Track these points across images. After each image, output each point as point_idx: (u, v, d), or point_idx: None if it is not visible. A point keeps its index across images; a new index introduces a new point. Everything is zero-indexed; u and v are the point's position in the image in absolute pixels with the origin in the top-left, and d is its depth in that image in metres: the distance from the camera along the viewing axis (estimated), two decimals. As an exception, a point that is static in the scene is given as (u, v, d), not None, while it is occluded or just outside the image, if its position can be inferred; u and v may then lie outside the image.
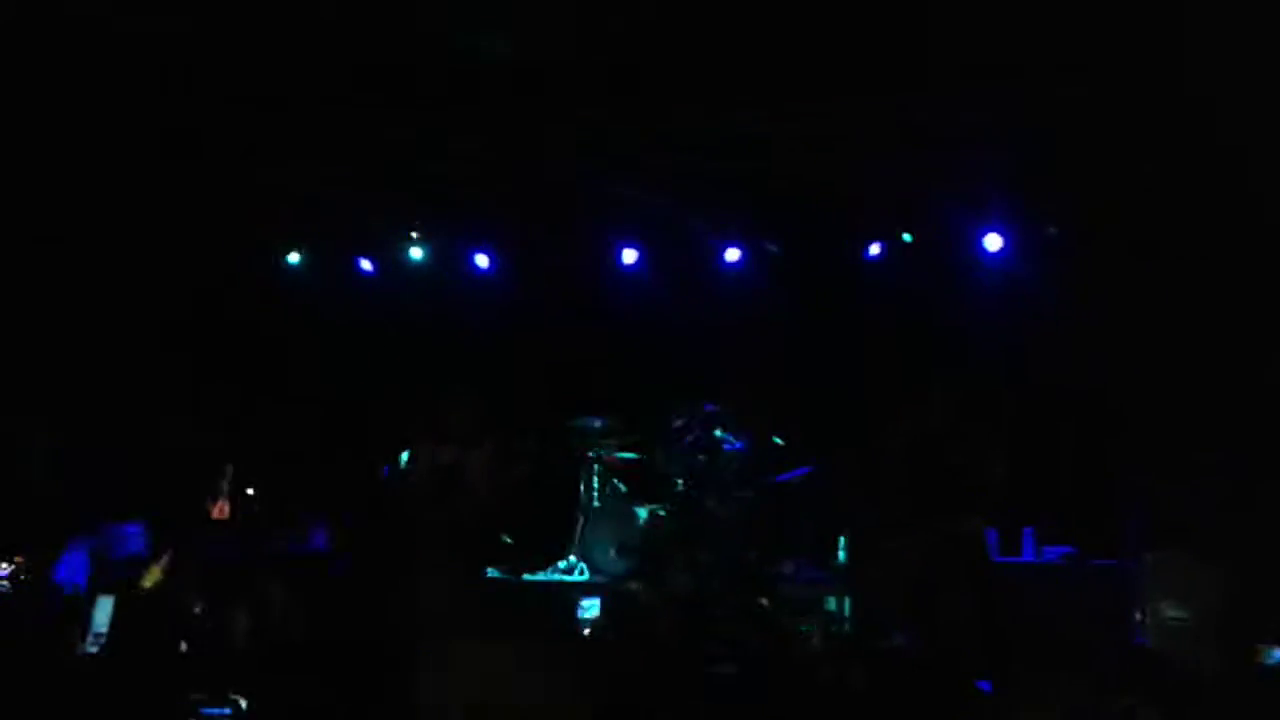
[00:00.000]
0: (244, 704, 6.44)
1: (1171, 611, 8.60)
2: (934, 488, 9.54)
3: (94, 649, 7.17)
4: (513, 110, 9.95)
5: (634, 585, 9.76)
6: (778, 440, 10.77)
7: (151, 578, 8.81)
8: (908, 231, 11.38)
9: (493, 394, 10.77)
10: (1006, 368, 10.54)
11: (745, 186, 11.14)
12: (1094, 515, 9.85)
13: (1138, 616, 8.79)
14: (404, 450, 10.78)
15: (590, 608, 9.19)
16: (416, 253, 11.95)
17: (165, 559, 8.96)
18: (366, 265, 12.22)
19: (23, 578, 9.48)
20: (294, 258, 12.19)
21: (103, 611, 7.23)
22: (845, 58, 9.02)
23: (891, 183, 10.86)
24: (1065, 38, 8.69)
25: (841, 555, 10.31)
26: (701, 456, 10.54)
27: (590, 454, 11.31)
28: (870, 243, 11.55)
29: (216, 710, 6.33)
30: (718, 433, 10.68)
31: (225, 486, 10.71)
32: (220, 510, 10.64)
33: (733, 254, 11.93)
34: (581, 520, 11.17)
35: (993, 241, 11.07)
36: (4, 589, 8.53)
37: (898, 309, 11.37)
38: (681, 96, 9.75)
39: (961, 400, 9.59)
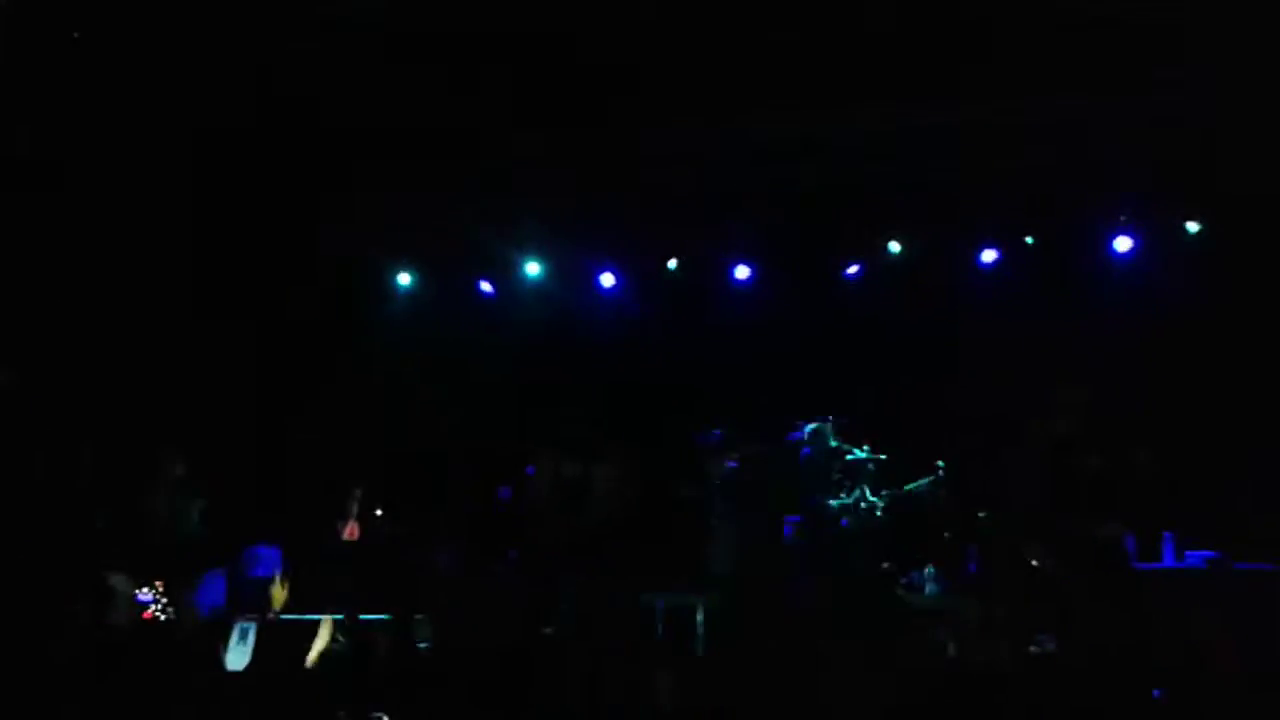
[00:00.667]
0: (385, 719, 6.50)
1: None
2: (1070, 493, 9.39)
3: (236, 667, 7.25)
4: (636, 125, 9.96)
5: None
6: (900, 450, 10.65)
7: (279, 599, 8.91)
8: (1030, 235, 11.21)
9: (614, 409, 10.81)
10: (1144, 368, 10.31)
11: (862, 195, 11.05)
12: (1239, 518, 9.54)
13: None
14: (527, 466, 10.87)
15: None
16: (534, 269, 12.03)
17: (286, 578, 9.07)
18: (486, 286, 12.32)
19: (163, 603, 9.67)
20: (404, 279, 12.34)
21: (240, 633, 7.31)
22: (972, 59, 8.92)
23: (1014, 185, 10.72)
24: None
25: (972, 565, 10.17)
26: (825, 468, 10.43)
27: (711, 467, 11.23)
28: (985, 248, 11.42)
29: (358, 726, 6.40)
30: (835, 443, 10.60)
31: (354, 508, 10.81)
32: (350, 531, 10.74)
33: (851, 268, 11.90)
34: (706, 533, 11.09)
35: (1122, 243, 10.95)
36: (156, 612, 8.66)
37: (1021, 311, 11.18)
38: (817, 102, 9.69)
39: (1094, 403, 9.43)
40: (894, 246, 11.65)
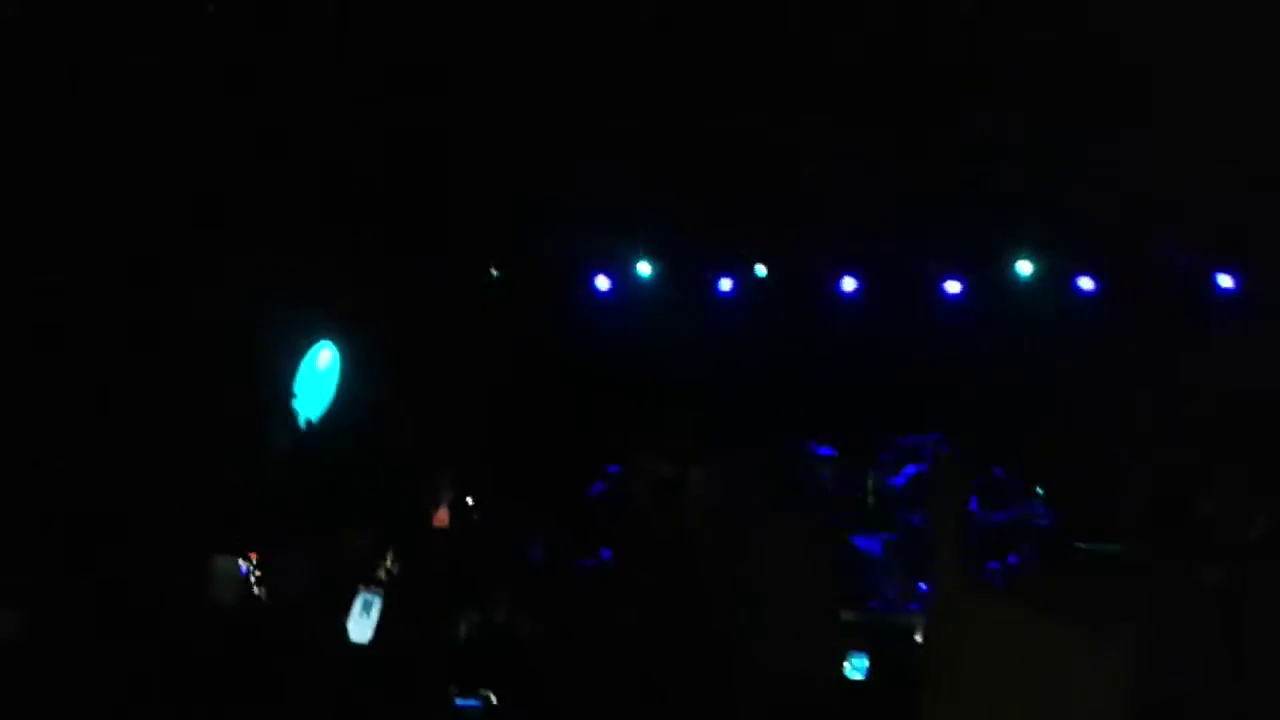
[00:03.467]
0: (493, 698, 6.51)
1: None
2: (1177, 536, 9.23)
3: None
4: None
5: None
6: (1001, 474, 10.53)
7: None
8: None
9: (716, 413, 10.75)
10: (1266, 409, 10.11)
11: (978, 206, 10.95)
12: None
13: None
14: (616, 464, 10.85)
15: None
16: (645, 268, 12.04)
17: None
18: (603, 283, 12.32)
19: (258, 575, 9.72)
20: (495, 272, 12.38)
21: (364, 604, 7.29)
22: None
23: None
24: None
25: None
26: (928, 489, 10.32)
27: (809, 478, 11.15)
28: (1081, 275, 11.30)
29: (467, 702, 6.42)
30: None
31: (447, 494, 10.81)
32: (441, 519, 10.74)
33: (953, 285, 11.79)
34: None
35: (1225, 280, 10.80)
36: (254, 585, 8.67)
37: (1133, 339, 11.03)
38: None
39: (1211, 444, 9.27)
40: (1024, 268, 11.48)
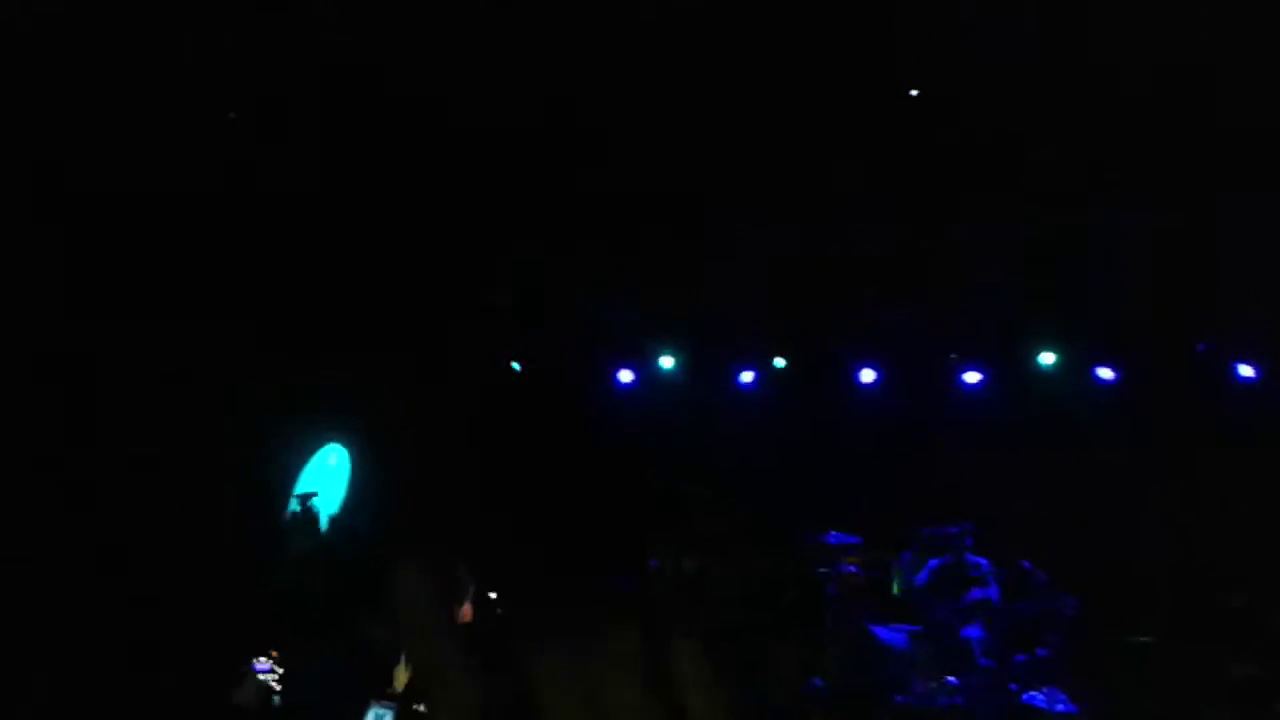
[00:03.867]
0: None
1: None
2: (1205, 625, 9.19)
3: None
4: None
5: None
6: (1027, 564, 10.48)
7: (401, 679, 8.82)
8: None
9: (737, 505, 10.71)
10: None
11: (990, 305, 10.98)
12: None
13: None
14: (647, 557, 10.77)
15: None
16: (668, 362, 12.07)
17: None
18: (626, 376, 12.35)
19: (279, 673, 9.65)
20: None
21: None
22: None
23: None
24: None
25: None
26: (954, 580, 10.29)
27: (829, 570, 11.07)
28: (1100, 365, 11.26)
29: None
30: (967, 556, 10.45)
31: (467, 590, 10.75)
32: (466, 614, 10.67)
33: (973, 376, 11.78)
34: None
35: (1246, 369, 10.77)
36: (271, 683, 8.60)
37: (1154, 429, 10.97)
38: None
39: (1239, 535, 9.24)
40: (1046, 359, 11.46)
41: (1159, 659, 9.59)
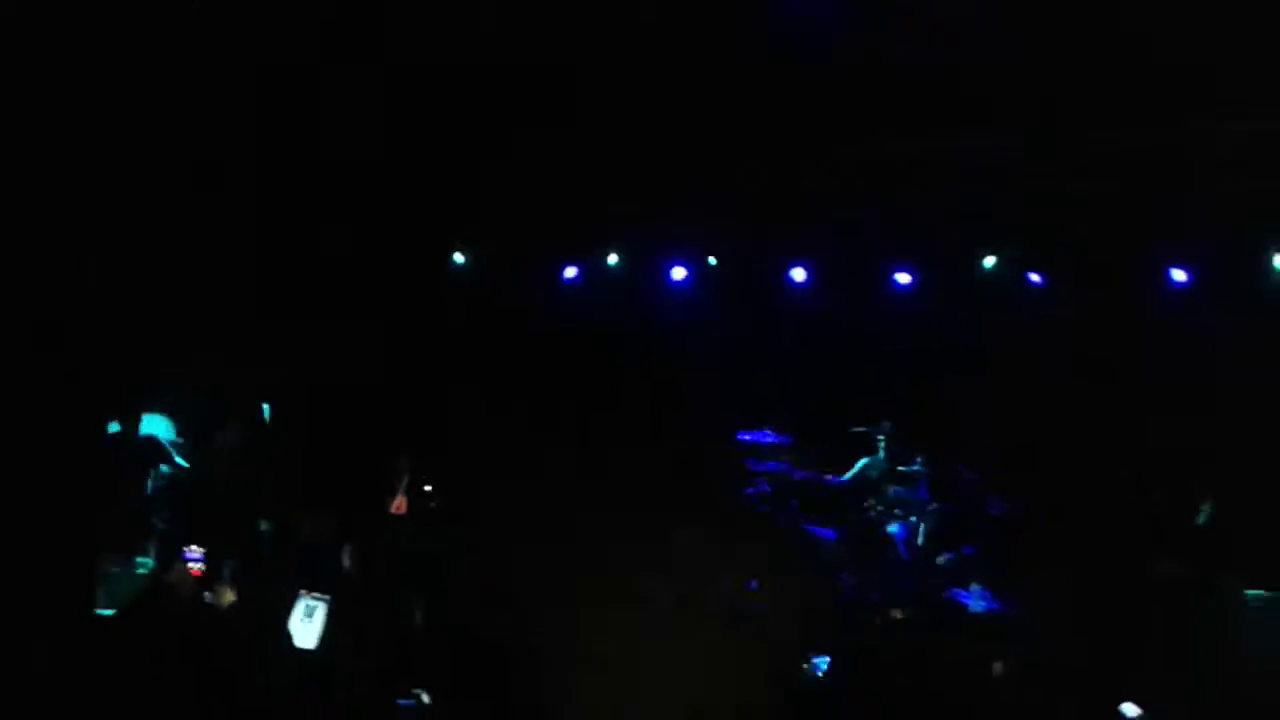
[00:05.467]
0: (425, 698, 6.51)
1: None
2: (1131, 532, 9.36)
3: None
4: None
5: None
6: (959, 467, 10.62)
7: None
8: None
9: (669, 401, 10.78)
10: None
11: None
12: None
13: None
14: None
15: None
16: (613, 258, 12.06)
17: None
18: (570, 271, 12.31)
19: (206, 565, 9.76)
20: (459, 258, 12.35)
21: (306, 610, 7.25)
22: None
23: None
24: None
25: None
26: (882, 478, 10.44)
27: (762, 469, 11.17)
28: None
29: (403, 702, 6.43)
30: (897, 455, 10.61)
31: (402, 481, 10.81)
32: (399, 506, 10.74)
33: (904, 277, 11.78)
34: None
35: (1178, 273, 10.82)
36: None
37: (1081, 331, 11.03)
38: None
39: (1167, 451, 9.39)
40: (987, 261, 11.48)
41: (1082, 557, 9.75)
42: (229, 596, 8.81)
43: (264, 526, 9.74)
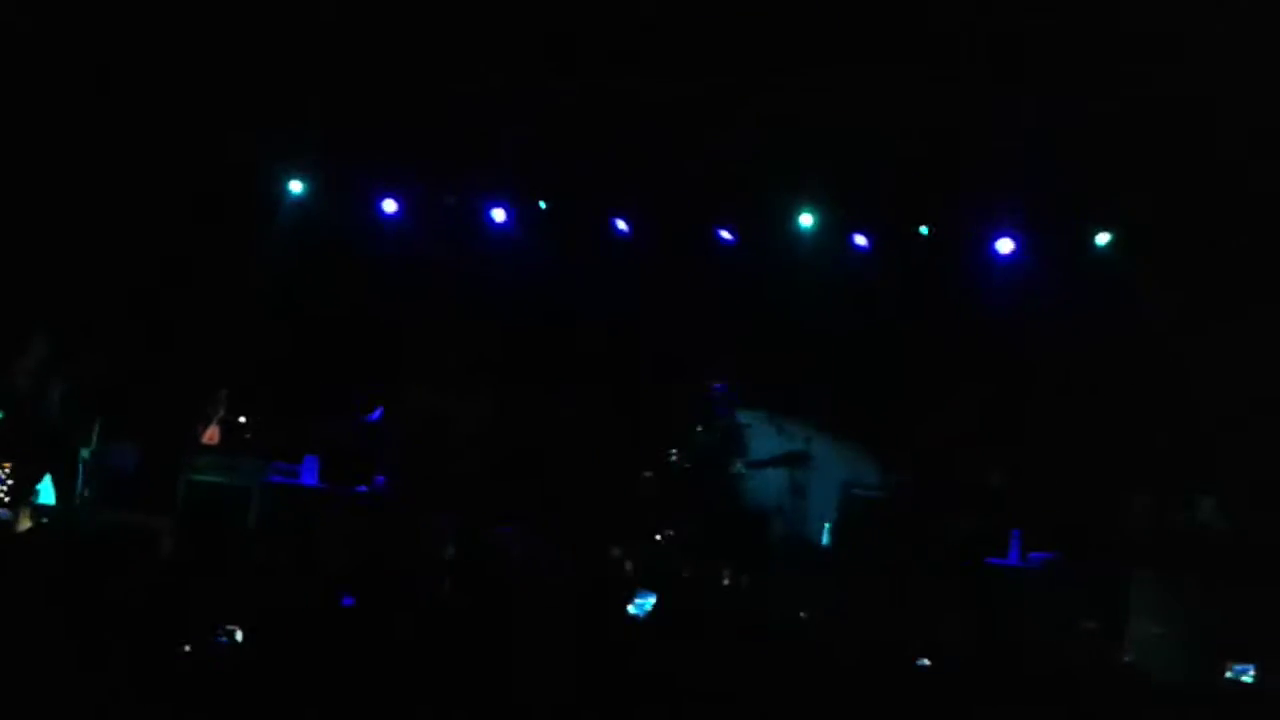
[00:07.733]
0: (239, 635, 6.44)
1: (1153, 627, 8.70)
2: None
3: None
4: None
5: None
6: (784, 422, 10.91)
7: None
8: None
9: (488, 350, 10.85)
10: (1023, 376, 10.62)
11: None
12: (1081, 525, 9.88)
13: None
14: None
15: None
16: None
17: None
18: (391, 205, 12.11)
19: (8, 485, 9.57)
20: (296, 187, 12.11)
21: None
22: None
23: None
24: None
25: (825, 539, 10.46)
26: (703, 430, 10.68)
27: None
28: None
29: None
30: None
31: (217, 412, 10.63)
32: (210, 436, 10.57)
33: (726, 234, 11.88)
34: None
35: (1004, 245, 11.14)
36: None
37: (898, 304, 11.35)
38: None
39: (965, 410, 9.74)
40: (804, 221, 11.57)
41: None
42: (26, 522, 8.70)
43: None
